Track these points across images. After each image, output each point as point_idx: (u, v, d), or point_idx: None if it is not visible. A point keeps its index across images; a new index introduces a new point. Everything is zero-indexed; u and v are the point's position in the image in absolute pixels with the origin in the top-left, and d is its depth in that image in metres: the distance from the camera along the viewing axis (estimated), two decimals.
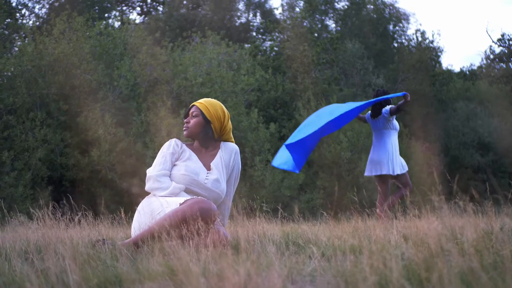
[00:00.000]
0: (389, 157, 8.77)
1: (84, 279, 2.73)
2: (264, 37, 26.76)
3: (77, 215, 5.08)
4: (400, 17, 27.34)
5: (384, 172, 8.73)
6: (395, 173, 8.70)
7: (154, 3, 28.96)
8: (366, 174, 9.01)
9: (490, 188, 5.05)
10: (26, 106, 15.39)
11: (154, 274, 2.80)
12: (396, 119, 9.04)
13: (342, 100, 21.14)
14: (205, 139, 4.69)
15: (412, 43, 26.79)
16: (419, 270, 2.61)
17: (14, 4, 20.80)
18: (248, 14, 28.52)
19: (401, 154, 9.09)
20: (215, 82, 17.73)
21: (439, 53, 27.06)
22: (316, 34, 23.96)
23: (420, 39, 26.47)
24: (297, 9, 25.32)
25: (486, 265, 2.67)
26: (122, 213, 5.01)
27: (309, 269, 3.05)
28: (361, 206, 5.75)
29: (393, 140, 8.86)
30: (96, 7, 23.80)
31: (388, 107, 8.84)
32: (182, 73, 17.65)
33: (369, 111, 9.14)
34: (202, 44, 19.94)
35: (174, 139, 4.72)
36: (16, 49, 17.59)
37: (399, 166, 8.76)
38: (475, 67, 31.48)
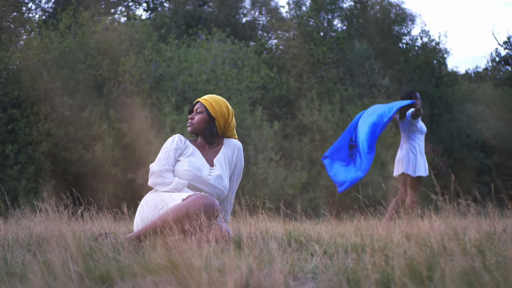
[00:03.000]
0: (411, 158, 8.82)
1: (86, 271, 2.74)
2: (269, 35, 26.73)
3: (80, 208, 5.09)
4: (406, 18, 27.28)
5: (403, 171, 8.80)
6: (416, 175, 8.74)
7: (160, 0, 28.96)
8: (394, 174, 9.10)
9: (494, 190, 5.04)
10: (30, 100, 15.41)
11: (156, 268, 2.80)
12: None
13: (347, 100, 21.13)
14: (209, 136, 4.69)
15: (418, 43, 26.74)
16: (421, 269, 2.61)
17: None
18: (254, 12, 28.49)
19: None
20: (219, 79, 17.73)
21: (445, 55, 27.00)
22: (322, 33, 23.91)
23: (426, 40, 26.43)
24: (304, 8, 25.28)
25: (489, 266, 2.67)
26: (125, 207, 5.01)
27: (311, 266, 3.05)
28: (364, 205, 5.74)
29: (418, 142, 8.91)
30: (102, 2, 23.79)
31: (410, 110, 8.90)
32: (187, 69, 17.65)
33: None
34: (207, 41, 19.93)
35: (178, 134, 4.72)
36: (22, 42, 17.60)
37: (423, 168, 8.79)
38: (480, 70, 31.42)
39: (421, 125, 8.97)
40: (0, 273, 2.84)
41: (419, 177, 8.82)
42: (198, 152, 4.64)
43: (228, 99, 16.29)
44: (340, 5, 26.04)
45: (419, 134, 8.95)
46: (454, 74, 28.04)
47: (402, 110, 8.96)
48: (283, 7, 35.58)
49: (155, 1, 28.99)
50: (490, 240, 3.38)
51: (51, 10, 22.66)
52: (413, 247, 3.19)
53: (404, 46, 27.38)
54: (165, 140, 4.77)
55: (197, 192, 4.34)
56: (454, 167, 23.01)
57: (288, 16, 25.91)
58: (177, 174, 4.52)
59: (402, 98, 9.01)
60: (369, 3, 26.58)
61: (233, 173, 4.76)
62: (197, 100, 4.76)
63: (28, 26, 18.12)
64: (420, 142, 8.95)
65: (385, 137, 19.92)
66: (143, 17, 26.34)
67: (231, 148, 4.74)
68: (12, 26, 17.98)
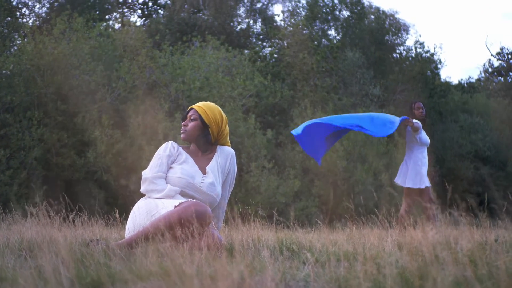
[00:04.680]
0: (403, 168, 8.80)
1: (77, 277, 2.73)
2: (264, 43, 26.78)
3: (71, 214, 5.08)
4: (400, 28, 27.37)
5: (395, 181, 8.80)
6: (406, 185, 8.70)
7: (155, 6, 28.97)
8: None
9: (486, 200, 5.05)
10: (23, 105, 15.36)
11: (147, 275, 2.79)
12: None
13: (341, 109, 21.16)
14: (202, 143, 4.68)
15: (412, 54, 26.83)
16: (413, 278, 2.61)
17: (14, 3, 20.79)
18: (249, 20, 28.54)
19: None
20: (213, 86, 17.72)
21: (439, 66, 27.10)
22: (316, 42, 23.98)
23: (419, 50, 26.53)
24: (299, 17, 25.35)
25: (480, 275, 2.67)
26: (117, 214, 5.00)
27: (302, 274, 3.05)
28: (356, 214, 5.75)
29: (416, 153, 8.81)
30: (97, 8, 23.78)
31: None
32: (180, 76, 17.63)
33: None
34: (201, 49, 19.93)
35: (171, 141, 4.71)
36: (16, 47, 17.57)
37: (412, 180, 8.71)
38: (473, 80, 31.55)
39: (422, 136, 8.86)
40: None
41: (409, 188, 8.76)
42: (191, 159, 4.64)
43: (221, 106, 16.27)
44: (337, 15, 26.12)
45: (419, 145, 8.86)
46: (447, 84, 28.14)
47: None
48: (278, 15, 35.65)
49: (150, 8, 29.01)
50: (482, 250, 3.38)
51: (45, 15, 22.64)
52: (405, 256, 3.19)
53: (398, 56, 27.48)
54: (158, 147, 4.76)
55: (189, 199, 4.33)
56: (446, 177, 23.05)
57: (283, 24, 25.97)
58: (169, 181, 4.52)
59: (410, 108, 9.00)
60: (364, 14, 26.66)
61: (226, 180, 4.76)
62: (190, 107, 4.75)
63: (22, 31, 18.08)
64: (418, 153, 8.84)
65: (378, 147, 19.96)
66: (138, 23, 26.36)
67: (224, 156, 4.74)
68: (6, 31, 17.94)
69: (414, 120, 8.80)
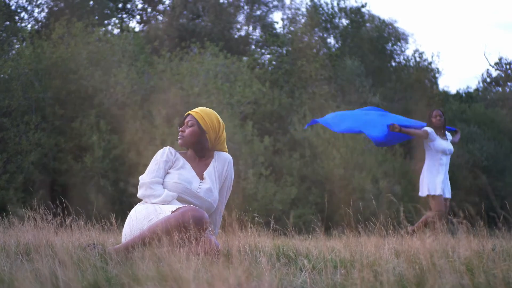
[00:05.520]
0: (420, 177, 8.72)
1: (73, 281, 2.72)
2: (263, 50, 26.78)
3: (68, 218, 5.06)
4: (399, 37, 27.41)
5: (419, 195, 8.71)
6: (423, 194, 8.61)
7: (154, 12, 28.97)
8: None
9: (485, 208, 5.04)
10: (21, 109, 15.34)
11: (144, 279, 2.78)
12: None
13: None
14: (199, 149, 4.68)
15: (411, 63, 26.87)
16: (410, 285, 2.60)
17: (13, 7, 20.79)
18: (248, 27, 28.54)
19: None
20: (211, 93, 17.72)
21: (437, 75, 27.13)
22: (315, 50, 24.00)
23: (418, 59, 26.56)
24: (298, 25, 25.39)
25: (477, 284, 2.67)
26: (113, 219, 4.98)
27: (299, 281, 3.04)
28: (354, 221, 5.73)
29: (432, 161, 8.68)
30: (96, 14, 23.77)
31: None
32: (179, 82, 17.64)
33: None
34: (200, 55, 19.94)
35: (168, 147, 4.70)
36: (14, 52, 17.56)
37: (426, 187, 8.59)
38: (471, 90, 31.59)
39: (435, 143, 8.73)
40: None
41: (428, 196, 8.62)
42: (188, 165, 4.63)
43: (219, 113, 16.23)
44: (336, 23, 26.15)
45: (434, 153, 8.70)
46: (445, 93, 28.17)
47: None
48: (277, 23, 35.70)
49: (149, 14, 29.03)
50: (479, 259, 3.38)
51: (44, 20, 22.64)
52: (402, 263, 3.19)
53: (397, 64, 27.51)
54: (156, 152, 4.75)
55: (186, 205, 4.33)
56: None
57: (282, 32, 26.00)
58: (166, 187, 4.51)
59: (428, 117, 9.03)
60: (363, 22, 26.70)
61: (223, 186, 4.75)
62: (188, 112, 4.73)
63: (20, 36, 18.08)
64: (434, 161, 8.68)
65: (376, 155, 19.95)
66: (137, 29, 26.38)
67: (221, 161, 4.73)
68: (5, 35, 17.93)
69: (426, 128, 8.75)
